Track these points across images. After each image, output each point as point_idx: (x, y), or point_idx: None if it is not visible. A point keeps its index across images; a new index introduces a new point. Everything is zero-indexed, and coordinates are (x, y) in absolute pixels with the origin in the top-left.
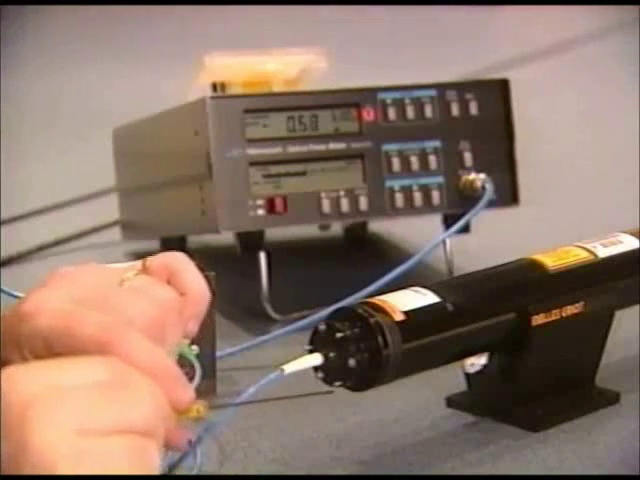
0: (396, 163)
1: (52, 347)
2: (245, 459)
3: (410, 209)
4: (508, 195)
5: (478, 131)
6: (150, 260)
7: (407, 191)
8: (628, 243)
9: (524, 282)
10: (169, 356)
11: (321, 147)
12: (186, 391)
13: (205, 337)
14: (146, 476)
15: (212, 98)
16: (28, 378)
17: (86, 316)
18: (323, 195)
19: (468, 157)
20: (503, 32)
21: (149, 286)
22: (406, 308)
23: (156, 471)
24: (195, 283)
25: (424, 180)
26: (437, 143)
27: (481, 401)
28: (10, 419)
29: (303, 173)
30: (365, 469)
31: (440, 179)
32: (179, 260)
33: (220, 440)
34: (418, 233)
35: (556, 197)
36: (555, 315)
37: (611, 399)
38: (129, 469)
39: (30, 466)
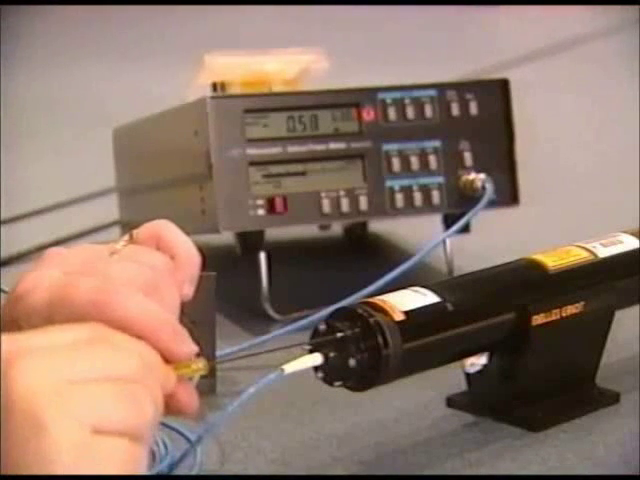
0: (396, 163)
1: (52, 320)
2: (245, 459)
3: (410, 209)
4: (508, 195)
5: (478, 131)
6: (137, 231)
7: (407, 191)
8: (628, 243)
9: (524, 282)
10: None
11: (321, 147)
12: (186, 343)
13: (205, 337)
14: (147, 476)
15: (212, 98)
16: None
17: (80, 281)
18: (323, 195)
19: (468, 157)
20: (503, 32)
21: (138, 253)
22: (406, 308)
23: (151, 420)
24: (183, 246)
25: (424, 180)
26: (437, 143)
27: (481, 401)
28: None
29: (303, 173)
30: (365, 469)
31: (440, 179)
32: (165, 226)
33: (220, 440)
34: (418, 233)
35: (556, 197)
36: (555, 315)
37: (611, 399)
38: (122, 414)
39: (15, 414)
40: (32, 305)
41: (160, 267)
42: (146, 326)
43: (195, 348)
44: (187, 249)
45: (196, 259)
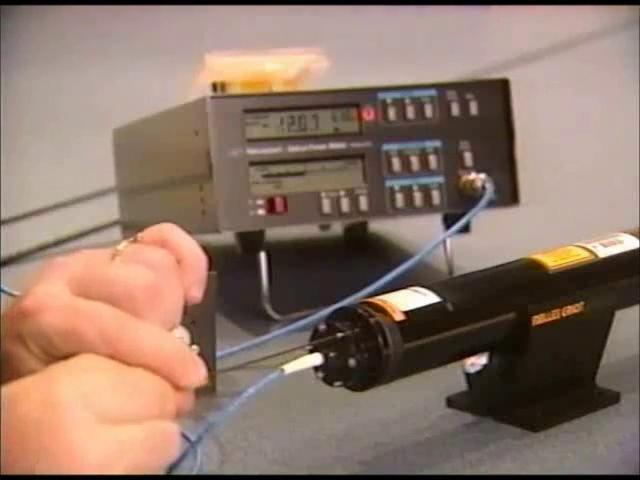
0: (396, 163)
1: (59, 347)
2: (245, 459)
3: (410, 209)
4: (508, 195)
5: (478, 131)
6: (141, 235)
7: (407, 191)
8: (628, 243)
9: (524, 282)
10: (170, 321)
11: (321, 147)
12: (195, 371)
13: (205, 337)
14: (146, 476)
15: (212, 98)
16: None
17: (90, 315)
18: (323, 195)
19: (468, 157)
20: (503, 32)
21: (139, 251)
22: (406, 308)
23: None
24: (189, 248)
25: (424, 180)
26: (437, 143)
27: (481, 401)
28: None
29: (303, 173)
30: (365, 469)
31: (440, 179)
32: (170, 229)
33: (220, 440)
34: (418, 233)
35: (556, 197)
36: (555, 315)
37: (611, 399)
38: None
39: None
40: (41, 328)
41: (162, 265)
42: (157, 361)
43: (203, 373)
44: (193, 251)
45: (203, 261)
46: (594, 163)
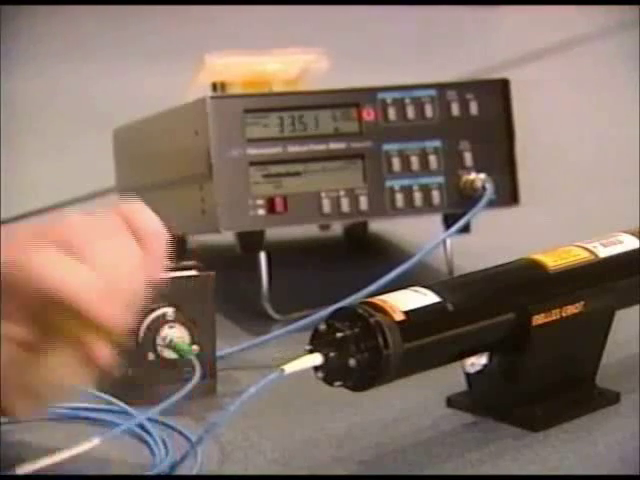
0: (396, 163)
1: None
2: (245, 459)
3: (410, 209)
4: (508, 195)
5: (478, 131)
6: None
7: (407, 191)
8: (628, 243)
9: (524, 282)
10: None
11: (321, 147)
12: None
13: (205, 337)
14: (147, 476)
15: (212, 98)
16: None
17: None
18: (323, 195)
19: (468, 157)
20: (503, 32)
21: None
22: (406, 308)
23: None
24: (148, 225)
25: (424, 180)
26: (437, 143)
27: (481, 401)
28: None
29: (303, 173)
30: (365, 469)
31: (440, 179)
32: (136, 209)
33: (220, 440)
34: (418, 233)
35: (556, 197)
36: (555, 315)
37: (611, 399)
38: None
39: None
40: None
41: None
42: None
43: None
44: (152, 228)
45: (159, 234)
46: (594, 163)
